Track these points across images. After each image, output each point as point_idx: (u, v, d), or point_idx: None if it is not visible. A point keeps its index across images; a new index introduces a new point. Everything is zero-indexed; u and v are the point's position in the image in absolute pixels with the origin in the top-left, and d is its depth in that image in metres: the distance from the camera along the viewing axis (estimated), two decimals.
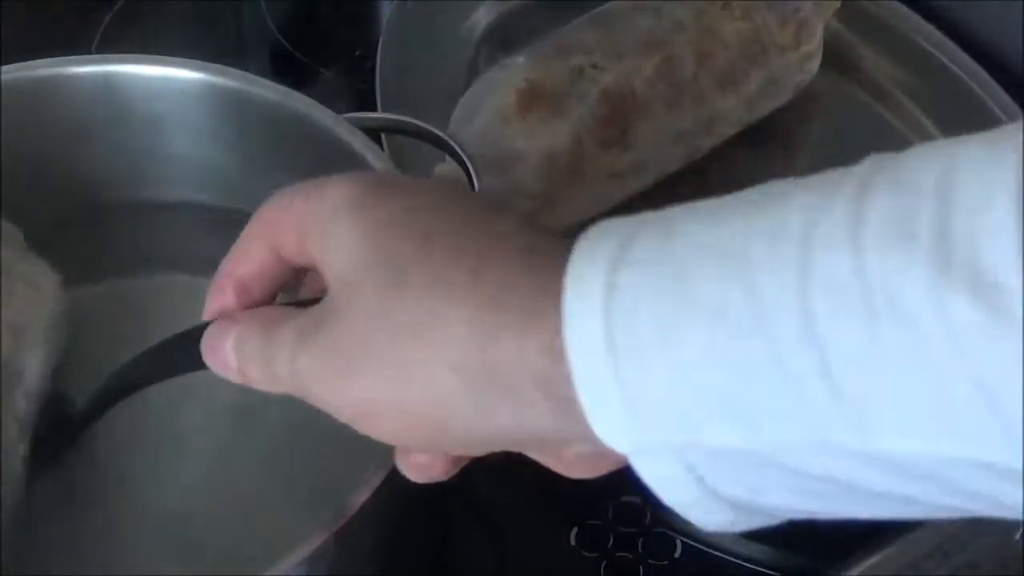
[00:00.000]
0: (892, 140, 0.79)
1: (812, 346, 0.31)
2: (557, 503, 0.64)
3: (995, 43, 0.82)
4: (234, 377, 0.42)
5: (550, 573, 0.62)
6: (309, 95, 0.57)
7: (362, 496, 0.45)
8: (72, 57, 0.58)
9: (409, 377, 0.36)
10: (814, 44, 0.76)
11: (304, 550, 0.43)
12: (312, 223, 0.40)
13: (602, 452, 0.36)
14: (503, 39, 0.81)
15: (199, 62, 0.58)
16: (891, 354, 0.30)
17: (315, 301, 0.40)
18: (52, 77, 0.58)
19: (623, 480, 0.63)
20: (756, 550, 0.61)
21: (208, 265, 0.64)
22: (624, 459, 0.36)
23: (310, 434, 0.59)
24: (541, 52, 0.70)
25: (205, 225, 0.62)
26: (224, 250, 0.62)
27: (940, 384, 0.30)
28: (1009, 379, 0.29)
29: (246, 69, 0.58)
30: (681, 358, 0.33)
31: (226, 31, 0.87)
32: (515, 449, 0.39)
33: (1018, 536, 0.60)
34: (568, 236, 0.37)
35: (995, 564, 0.59)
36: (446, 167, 0.62)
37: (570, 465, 0.40)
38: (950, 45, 0.81)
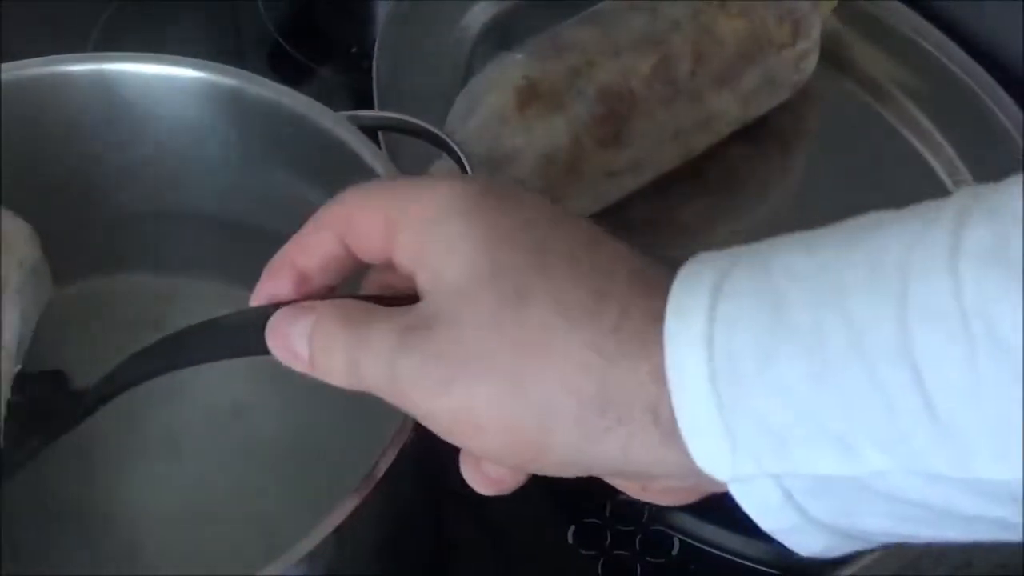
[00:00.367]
0: (890, 139, 0.79)
1: (910, 372, 0.32)
2: (555, 501, 0.64)
3: (993, 41, 0.82)
4: (300, 366, 0.41)
5: (548, 571, 0.62)
6: (306, 93, 0.57)
7: (361, 495, 0.45)
8: (68, 56, 0.58)
9: (523, 394, 0.36)
10: (811, 42, 0.76)
11: (303, 549, 0.43)
12: (413, 226, 0.39)
13: (692, 486, 0.38)
14: (499, 38, 0.81)
15: (197, 60, 0.58)
16: (987, 381, 0.31)
17: (386, 299, 0.40)
18: (48, 76, 0.58)
19: None
20: (753, 547, 0.61)
21: (205, 265, 0.64)
22: (707, 492, 0.37)
23: (308, 433, 0.60)
24: (538, 50, 0.70)
25: (202, 224, 0.62)
26: (220, 249, 0.63)
27: None
28: None
29: (243, 68, 0.58)
30: (779, 385, 0.33)
31: (223, 30, 0.87)
32: (605, 475, 0.39)
33: None
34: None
35: (993, 563, 0.59)
36: (443, 165, 0.62)
37: (655, 494, 0.41)
38: (948, 43, 0.81)
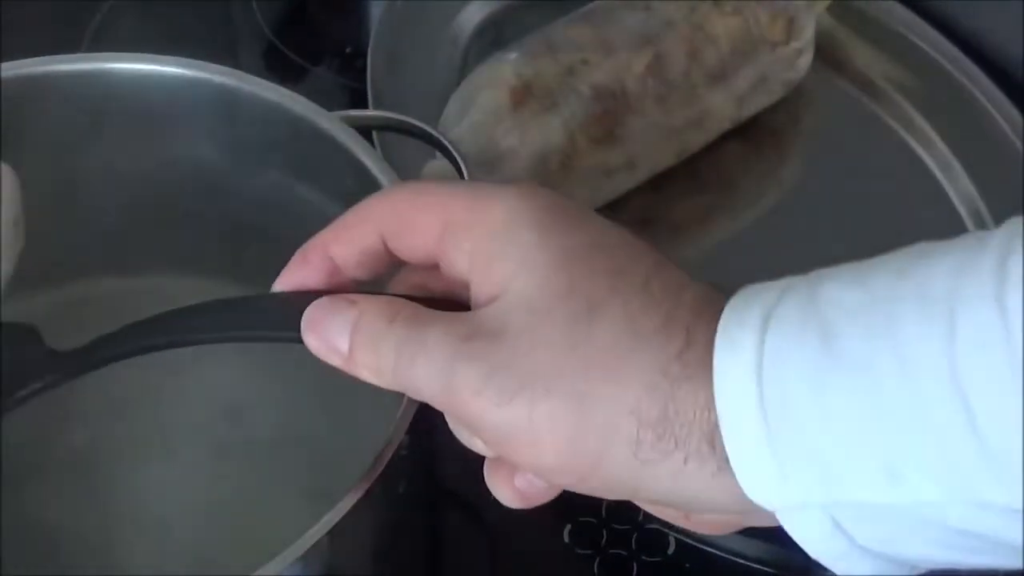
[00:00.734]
0: (885, 138, 0.79)
1: (960, 402, 0.32)
2: (550, 501, 0.64)
3: (989, 39, 0.82)
4: (336, 360, 0.40)
5: (544, 570, 0.62)
6: (300, 93, 0.57)
7: (357, 495, 0.44)
8: (62, 55, 0.58)
9: (587, 413, 0.36)
10: (805, 41, 0.76)
11: (298, 549, 0.43)
12: (479, 234, 0.39)
13: (737, 518, 0.38)
14: (493, 37, 0.81)
15: (191, 60, 0.58)
16: None
17: (416, 301, 0.39)
18: (42, 75, 0.57)
19: None
20: (750, 546, 0.61)
21: (197, 265, 0.64)
22: (750, 524, 0.38)
23: (305, 433, 0.59)
24: (532, 49, 0.70)
25: (195, 224, 0.62)
26: (213, 249, 0.63)
27: None
28: None
29: (238, 67, 0.58)
30: (830, 415, 0.34)
31: (217, 29, 0.87)
32: (649, 501, 0.39)
33: None
34: None
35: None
36: (437, 164, 0.62)
37: (698, 524, 0.41)
38: (943, 41, 0.81)
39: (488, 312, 0.38)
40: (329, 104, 0.57)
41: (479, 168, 0.64)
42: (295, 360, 0.61)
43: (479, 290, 0.39)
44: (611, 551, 0.61)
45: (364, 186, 0.53)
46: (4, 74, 0.56)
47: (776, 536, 0.60)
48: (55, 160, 0.59)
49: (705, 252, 0.73)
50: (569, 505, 0.62)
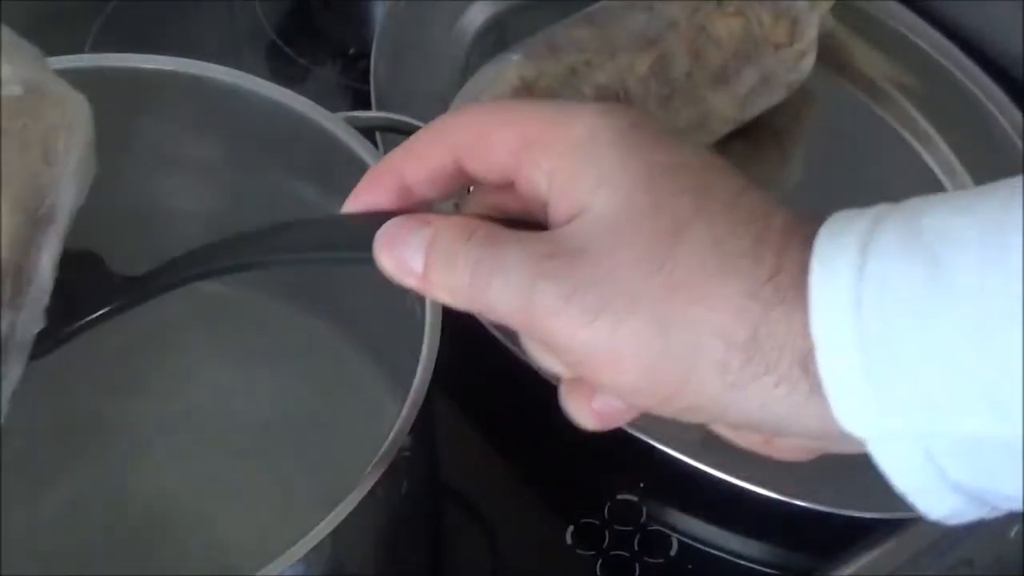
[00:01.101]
0: (887, 139, 0.79)
1: None
2: (553, 502, 0.64)
3: (990, 40, 0.82)
4: (411, 280, 0.39)
5: (546, 571, 0.62)
6: (303, 94, 0.57)
7: (359, 495, 0.44)
8: (65, 56, 0.58)
9: (671, 333, 0.36)
10: (807, 42, 0.76)
11: (301, 549, 0.43)
12: (560, 150, 0.38)
13: (818, 444, 0.37)
14: (496, 38, 0.81)
15: (194, 61, 0.58)
16: None
17: (493, 221, 0.38)
18: None
19: (619, 478, 0.64)
20: (751, 547, 0.61)
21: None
22: (829, 452, 0.37)
23: (307, 433, 0.60)
24: (535, 50, 0.70)
25: (197, 224, 0.62)
26: None
27: None
28: None
29: (241, 68, 0.58)
30: (937, 346, 0.33)
31: (221, 30, 0.87)
32: (735, 424, 0.38)
33: (1013, 532, 0.60)
34: None
35: (991, 560, 0.59)
36: None
37: (777, 449, 0.40)
38: (945, 42, 0.81)
39: (569, 230, 0.37)
40: (332, 105, 0.57)
41: None
42: (298, 362, 0.62)
43: (558, 209, 0.38)
44: (613, 552, 0.61)
45: None
46: None
47: (779, 538, 0.61)
48: None
49: None
50: (571, 506, 0.63)
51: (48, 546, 0.57)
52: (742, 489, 0.58)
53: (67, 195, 0.47)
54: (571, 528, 0.62)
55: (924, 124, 0.79)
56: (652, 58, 0.70)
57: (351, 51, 0.84)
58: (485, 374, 0.66)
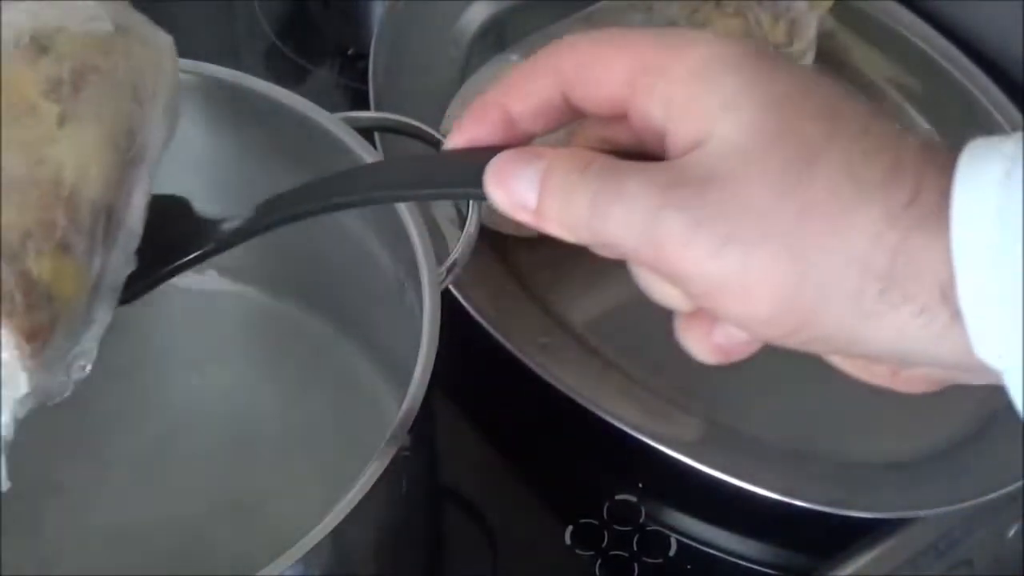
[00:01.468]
0: None
1: None
2: (552, 501, 0.64)
3: (989, 40, 0.82)
4: (523, 215, 0.38)
5: (545, 571, 0.62)
6: (302, 94, 0.57)
7: (359, 495, 0.44)
8: None
9: (806, 261, 0.34)
10: (807, 42, 0.76)
11: (301, 549, 0.43)
12: (677, 77, 0.36)
13: (947, 376, 0.36)
14: (495, 39, 0.81)
15: (192, 61, 0.58)
16: None
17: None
18: None
19: (618, 478, 0.64)
20: (750, 547, 0.61)
21: (200, 265, 0.64)
22: (956, 382, 0.36)
23: (306, 434, 0.60)
24: (534, 51, 0.70)
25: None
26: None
27: None
28: None
29: (239, 68, 0.58)
30: None
31: (220, 30, 0.87)
32: (864, 354, 0.37)
33: (1012, 532, 0.60)
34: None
35: (990, 559, 0.59)
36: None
37: (902, 382, 0.39)
38: (944, 42, 0.81)
39: (692, 159, 0.36)
40: (331, 105, 0.57)
41: None
42: (298, 362, 0.62)
43: (677, 137, 0.36)
44: (612, 552, 0.61)
45: None
46: None
47: (778, 538, 0.61)
48: None
49: None
50: (570, 506, 0.63)
51: (48, 545, 0.57)
52: (741, 489, 0.58)
53: (156, 136, 0.46)
54: (570, 528, 0.62)
55: (923, 124, 0.79)
56: None
57: (350, 51, 0.84)
58: (485, 374, 0.66)
